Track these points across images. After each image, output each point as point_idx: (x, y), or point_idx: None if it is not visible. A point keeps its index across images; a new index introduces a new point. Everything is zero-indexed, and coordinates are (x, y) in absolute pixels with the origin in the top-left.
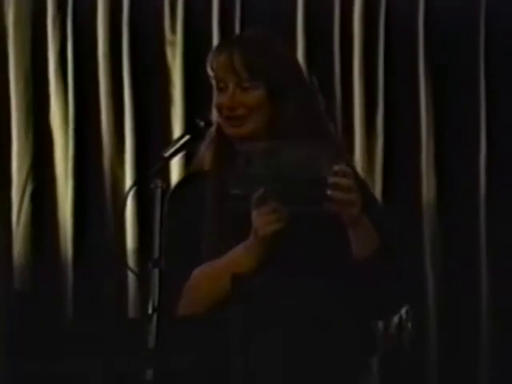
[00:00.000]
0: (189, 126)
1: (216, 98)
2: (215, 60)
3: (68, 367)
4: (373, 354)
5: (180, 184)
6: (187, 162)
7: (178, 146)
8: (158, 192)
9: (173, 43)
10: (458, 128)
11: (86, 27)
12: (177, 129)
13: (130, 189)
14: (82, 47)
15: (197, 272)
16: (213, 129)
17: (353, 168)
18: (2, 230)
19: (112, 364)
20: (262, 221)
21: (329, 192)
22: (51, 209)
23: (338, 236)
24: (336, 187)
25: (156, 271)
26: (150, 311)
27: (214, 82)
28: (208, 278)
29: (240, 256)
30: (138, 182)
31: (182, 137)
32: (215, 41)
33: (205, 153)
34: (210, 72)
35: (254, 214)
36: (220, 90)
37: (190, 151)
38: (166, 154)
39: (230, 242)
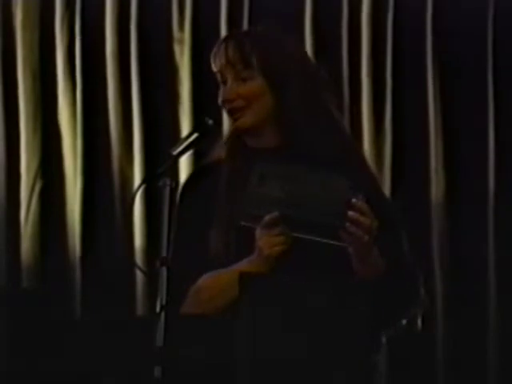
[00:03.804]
0: (197, 123)
1: (221, 90)
2: (215, 56)
3: (76, 365)
4: (378, 352)
5: (192, 178)
6: (196, 160)
7: (186, 144)
8: (167, 190)
9: (181, 41)
10: (466, 125)
11: (94, 26)
12: (185, 127)
13: (139, 187)
14: (90, 46)
15: (205, 276)
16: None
17: (374, 180)
18: (10, 228)
19: (120, 362)
20: (269, 241)
21: (347, 225)
22: (59, 207)
23: (341, 256)
24: (353, 222)
25: (164, 269)
26: (157, 309)
27: (218, 79)
28: (215, 281)
29: (244, 270)
30: (147, 180)
31: (190, 135)
32: None
33: (217, 148)
34: (214, 69)
35: (260, 232)
36: (222, 84)
37: (198, 149)
38: (175, 152)
39: (232, 250)
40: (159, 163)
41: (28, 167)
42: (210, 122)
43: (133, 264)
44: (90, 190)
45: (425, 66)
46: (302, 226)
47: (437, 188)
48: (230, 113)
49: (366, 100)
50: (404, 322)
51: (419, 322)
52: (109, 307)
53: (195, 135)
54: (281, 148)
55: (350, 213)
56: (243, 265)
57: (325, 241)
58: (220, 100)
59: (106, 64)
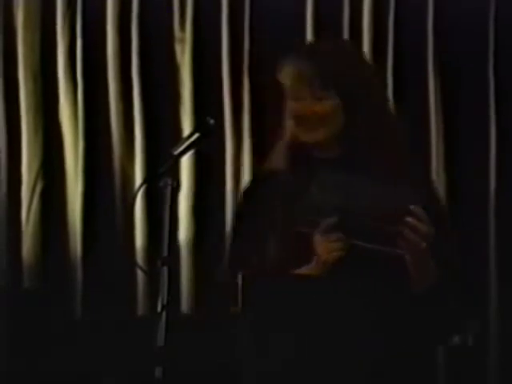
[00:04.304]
0: (198, 123)
1: (290, 106)
2: (289, 70)
3: (76, 364)
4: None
5: (251, 185)
6: (197, 160)
7: (187, 143)
8: (168, 190)
9: (182, 41)
10: (467, 126)
11: (96, 25)
12: (186, 126)
13: (140, 187)
14: (92, 46)
15: None
16: (286, 133)
17: (433, 191)
18: (11, 228)
19: (121, 362)
20: (327, 247)
21: (405, 231)
22: (61, 207)
23: (396, 266)
24: (411, 227)
25: (165, 269)
26: (159, 309)
27: (286, 91)
28: None
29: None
30: (148, 180)
31: (191, 135)
32: (224, 38)
33: (277, 155)
34: (282, 81)
35: (319, 238)
36: (294, 99)
37: (199, 149)
38: (176, 152)
39: (289, 256)
40: (160, 163)
41: (29, 167)
42: (212, 121)
43: (134, 264)
44: (91, 190)
45: (425, 66)
46: (358, 233)
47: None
48: (304, 127)
49: None
50: (457, 337)
51: (471, 337)
52: (109, 307)
53: (196, 135)
54: (342, 158)
55: (408, 219)
56: (302, 272)
57: (381, 248)
58: (291, 112)
59: (107, 64)
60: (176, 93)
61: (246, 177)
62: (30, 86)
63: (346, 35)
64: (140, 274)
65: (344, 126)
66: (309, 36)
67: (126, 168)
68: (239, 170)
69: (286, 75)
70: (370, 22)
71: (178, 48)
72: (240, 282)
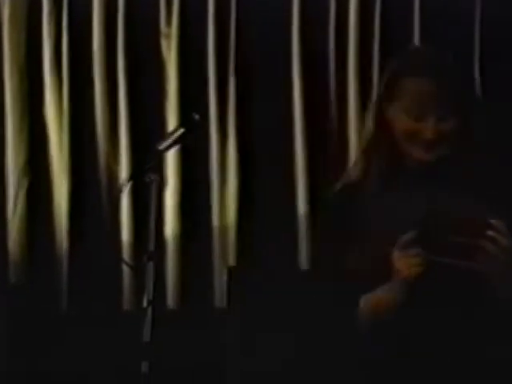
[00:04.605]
0: (183, 119)
1: (409, 124)
2: (415, 84)
3: (62, 359)
4: None
5: (337, 197)
6: (183, 156)
7: (172, 138)
8: (154, 185)
9: (168, 36)
10: None
11: (82, 21)
12: (171, 122)
13: (126, 182)
14: (77, 42)
15: None
16: (383, 143)
17: None
18: None
19: (107, 356)
20: (407, 262)
21: (486, 244)
22: (47, 203)
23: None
24: (492, 241)
25: (151, 264)
26: (144, 304)
27: (406, 104)
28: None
29: (385, 295)
30: (134, 175)
31: (176, 129)
32: (211, 34)
33: (370, 167)
34: (396, 93)
35: (398, 254)
36: (416, 116)
37: (184, 144)
38: (161, 147)
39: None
40: (146, 159)
41: (15, 163)
42: (197, 117)
43: (120, 259)
44: (77, 186)
45: None
46: (437, 248)
47: None
48: (422, 146)
49: (352, 99)
50: None
51: None
52: (95, 302)
53: (181, 130)
54: (435, 169)
55: (489, 232)
56: (384, 290)
57: (460, 262)
58: (411, 130)
59: (92, 61)
60: (162, 88)
61: (231, 172)
62: (16, 82)
63: (332, 37)
64: (126, 270)
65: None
66: (294, 32)
67: (111, 164)
68: (224, 165)
69: (409, 88)
70: (356, 22)
71: (163, 44)
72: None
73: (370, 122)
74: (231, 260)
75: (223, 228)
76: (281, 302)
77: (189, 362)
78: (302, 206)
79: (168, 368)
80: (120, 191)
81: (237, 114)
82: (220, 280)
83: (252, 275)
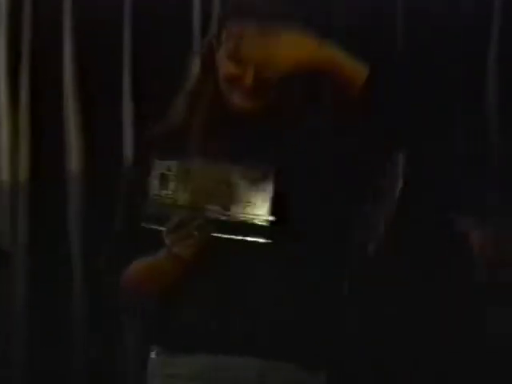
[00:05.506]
0: None
1: (230, 68)
2: (237, 28)
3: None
4: None
5: None
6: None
7: None
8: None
9: None
10: None
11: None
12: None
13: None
14: None
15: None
16: (207, 87)
17: None
18: None
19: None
20: (179, 244)
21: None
22: None
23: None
24: None
25: None
26: None
27: (228, 47)
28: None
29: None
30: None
31: None
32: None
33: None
34: (230, 36)
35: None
36: (236, 61)
37: None
38: None
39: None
40: None
41: None
42: None
43: None
44: None
45: None
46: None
47: None
48: (245, 94)
49: None
50: None
51: None
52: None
53: None
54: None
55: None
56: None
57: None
58: (233, 80)
59: None
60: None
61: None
62: None
63: None
64: None
65: None
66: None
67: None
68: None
69: (230, 33)
70: None
71: None
72: None
73: (196, 66)
74: None
75: None
76: None
77: None
78: None
79: None
80: None
81: None
82: None
83: None
